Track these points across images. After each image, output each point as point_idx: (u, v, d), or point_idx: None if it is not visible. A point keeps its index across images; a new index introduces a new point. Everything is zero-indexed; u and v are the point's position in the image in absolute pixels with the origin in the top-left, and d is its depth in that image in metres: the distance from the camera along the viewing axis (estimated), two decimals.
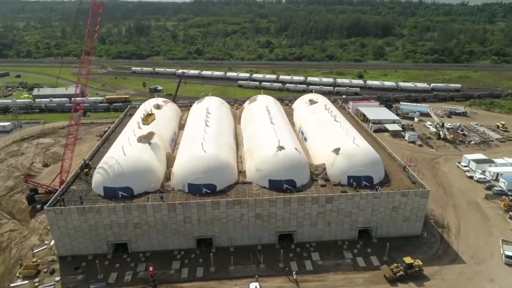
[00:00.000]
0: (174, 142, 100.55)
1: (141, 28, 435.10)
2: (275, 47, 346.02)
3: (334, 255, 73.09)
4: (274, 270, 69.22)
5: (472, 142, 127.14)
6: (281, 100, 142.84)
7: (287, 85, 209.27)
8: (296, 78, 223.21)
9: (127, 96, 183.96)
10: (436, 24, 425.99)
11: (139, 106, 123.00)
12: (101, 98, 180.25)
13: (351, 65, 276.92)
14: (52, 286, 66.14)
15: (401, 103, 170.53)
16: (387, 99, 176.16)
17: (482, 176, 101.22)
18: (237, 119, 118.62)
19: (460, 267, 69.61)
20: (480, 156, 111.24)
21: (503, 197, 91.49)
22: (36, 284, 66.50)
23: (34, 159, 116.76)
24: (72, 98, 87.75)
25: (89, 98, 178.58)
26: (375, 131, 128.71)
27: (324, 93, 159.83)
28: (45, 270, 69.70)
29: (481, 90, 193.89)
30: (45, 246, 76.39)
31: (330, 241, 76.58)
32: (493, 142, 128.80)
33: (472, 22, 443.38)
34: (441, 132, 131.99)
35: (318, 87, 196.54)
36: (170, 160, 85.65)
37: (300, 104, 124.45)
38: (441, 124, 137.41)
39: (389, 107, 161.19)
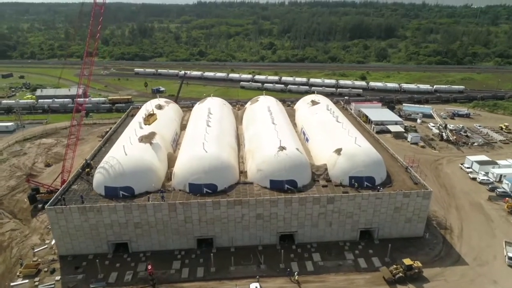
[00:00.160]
0: (176, 143, 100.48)
1: (144, 29, 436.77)
2: (277, 49, 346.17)
3: (335, 256, 72.63)
4: (275, 270, 68.83)
5: (475, 144, 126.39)
6: (283, 101, 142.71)
7: (289, 86, 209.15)
8: (298, 79, 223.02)
9: (130, 97, 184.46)
10: (439, 26, 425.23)
11: (141, 107, 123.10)
12: (103, 99, 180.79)
13: (354, 67, 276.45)
14: (52, 286, 66.07)
15: (403, 104, 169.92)
16: (390, 100, 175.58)
17: (485, 178, 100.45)
18: (238, 119, 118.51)
19: (462, 268, 68.96)
20: (483, 157, 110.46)
21: (507, 198, 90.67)
22: (36, 283, 66.45)
23: (36, 159, 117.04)
24: (75, 99, 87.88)
25: (92, 99, 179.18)
26: (377, 132, 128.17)
27: (326, 95, 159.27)
28: (46, 269, 69.64)
29: (485, 92, 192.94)
30: (46, 246, 76.38)
31: (331, 242, 76.10)
32: (497, 143, 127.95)
33: (476, 24, 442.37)
34: (444, 134, 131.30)
35: (320, 88, 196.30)
36: (171, 160, 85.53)
37: (302, 105, 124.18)
38: (444, 125, 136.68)
39: (392, 108, 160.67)
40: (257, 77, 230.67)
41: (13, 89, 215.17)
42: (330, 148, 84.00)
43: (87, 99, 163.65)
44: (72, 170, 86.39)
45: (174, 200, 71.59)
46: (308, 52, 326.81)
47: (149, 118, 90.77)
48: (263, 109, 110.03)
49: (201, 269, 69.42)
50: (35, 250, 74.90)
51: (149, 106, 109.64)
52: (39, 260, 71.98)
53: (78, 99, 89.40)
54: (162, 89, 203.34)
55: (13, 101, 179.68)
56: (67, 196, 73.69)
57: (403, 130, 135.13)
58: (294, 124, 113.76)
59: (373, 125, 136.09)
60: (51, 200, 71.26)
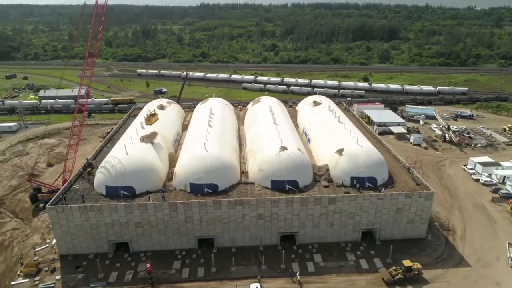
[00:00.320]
0: (177, 143, 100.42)
1: (147, 31, 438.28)
2: (280, 50, 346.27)
3: (337, 257, 72.15)
4: (275, 271, 68.44)
5: (479, 145, 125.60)
6: (285, 102, 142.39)
7: (291, 87, 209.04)
8: (301, 80, 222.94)
9: (132, 97, 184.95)
10: (442, 28, 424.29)
11: (143, 107, 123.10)
12: (106, 99, 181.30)
13: (357, 68, 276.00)
14: (53, 285, 65.97)
15: (406, 105, 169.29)
16: (392, 101, 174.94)
17: (489, 179, 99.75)
18: (240, 120, 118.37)
19: (465, 270, 68.32)
20: (486, 159, 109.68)
21: (510, 200, 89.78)
22: (37, 282, 66.40)
23: (38, 159, 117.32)
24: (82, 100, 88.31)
25: (95, 99, 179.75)
26: (379, 133, 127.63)
27: (329, 96, 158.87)
28: (46, 268, 69.56)
29: (488, 93, 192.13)
30: (47, 245, 76.35)
31: (332, 243, 75.63)
32: (500, 145, 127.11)
33: (479, 26, 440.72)
34: (447, 135, 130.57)
35: (323, 89, 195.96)
36: (173, 160, 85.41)
37: (304, 106, 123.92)
38: (447, 126, 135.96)
39: (394, 109, 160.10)
40: (259, 78, 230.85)
41: (17, 90, 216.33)
42: (332, 148, 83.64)
43: (89, 99, 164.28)
44: (74, 170, 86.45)
45: (175, 200, 71.38)
46: (310, 53, 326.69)
47: (151, 118, 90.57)
48: (265, 110, 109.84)
49: (202, 269, 69.14)
50: (36, 250, 74.86)
51: (151, 106, 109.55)
52: (40, 259, 71.93)
53: (80, 99, 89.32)
54: (164, 90, 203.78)
55: (16, 101, 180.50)
56: (68, 195, 73.67)
57: (405, 131, 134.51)
58: (296, 125, 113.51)
59: (375, 126, 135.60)
60: (52, 199, 71.31)
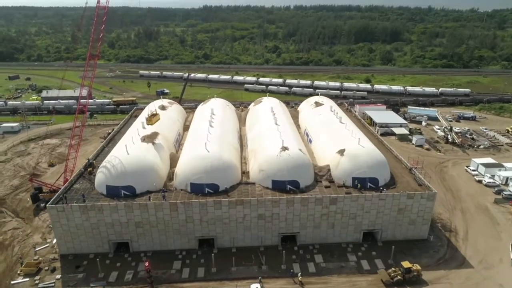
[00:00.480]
0: (179, 143, 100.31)
1: (150, 33, 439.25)
2: (282, 52, 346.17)
3: (338, 258, 71.74)
4: (276, 271, 68.10)
5: (481, 146, 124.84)
6: (287, 103, 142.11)
7: (293, 89, 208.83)
8: (302, 82, 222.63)
9: (134, 98, 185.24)
10: (445, 30, 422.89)
11: (145, 108, 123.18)
12: (108, 100, 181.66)
13: (359, 70, 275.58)
14: (53, 284, 65.87)
15: (408, 107, 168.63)
16: (395, 103, 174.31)
17: (491, 180, 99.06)
18: (242, 121, 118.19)
19: (467, 271, 67.73)
20: (489, 160, 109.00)
21: None
22: (37, 281, 66.32)
23: (40, 159, 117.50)
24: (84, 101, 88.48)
25: (97, 100, 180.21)
26: (381, 134, 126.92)
27: (331, 97, 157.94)
28: (46, 268, 69.52)
29: (491, 95, 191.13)
30: (47, 244, 76.33)
31: (334, 244, 75.24)
32: (503, 146, 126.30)
33: (482, 28, 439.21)
34: (449, 136, 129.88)
35: (325, 91, 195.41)
36: (173, 160, 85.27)
37: (306, 106, 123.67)
38: (449, 128, 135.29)
39: (397, 111, 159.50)
40: (261, 79, 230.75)
41: (19, 91, 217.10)
42: (333, 149, 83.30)
43: (91, 100, 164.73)
44: (75, 170, 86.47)
45: (176, 199, 71.23)
46: (313, 55, 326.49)
47: (152, 118, 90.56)
48: (266, 110, 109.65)
49: (202, 269, 68.95)
50: (37, 249, 74.83)
51: (152, 106, 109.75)
52: (40, 258, 71.86)
53: (81, 100, 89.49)
54: (166, 91, 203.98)
55: (19, 102, 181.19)
56: (69, 195, 73.68)
57: (407, 132, 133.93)
58: (298, 126, 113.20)
59: (377, 127, 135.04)
60: (53, 199, 71.32)
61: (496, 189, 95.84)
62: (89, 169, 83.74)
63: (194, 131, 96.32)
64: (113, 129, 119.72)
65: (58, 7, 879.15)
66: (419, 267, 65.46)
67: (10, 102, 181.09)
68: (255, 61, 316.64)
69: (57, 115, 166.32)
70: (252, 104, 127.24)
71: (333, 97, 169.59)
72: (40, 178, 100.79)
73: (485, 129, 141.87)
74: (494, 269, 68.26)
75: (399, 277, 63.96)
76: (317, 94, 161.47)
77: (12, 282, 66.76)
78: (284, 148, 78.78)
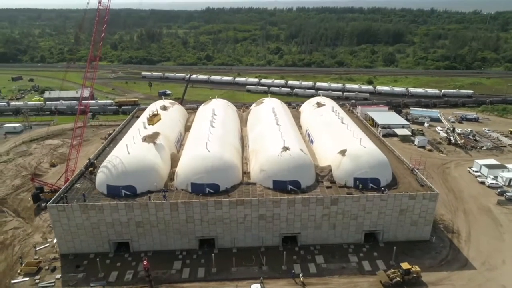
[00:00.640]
0: (180, 143, 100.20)
1: (152, 34, 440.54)
2: (284, 54, 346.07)
3: (339, 259, 71.29)
4: (277, 272, 67.73)
5: (484, 148, 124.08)
6: (288, 104, 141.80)
7: (295, 90, 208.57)
8: (305, 83, 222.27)
9: (136, 99, 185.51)
10: (448, 32, 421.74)
11: (146, 108, 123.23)
12: (110, 101, 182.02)
13: (361, 71, 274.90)
14: (53, 284, 65.73)
15: (411, 108, 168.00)
16: (397, 104, 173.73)
17: (494, 182, 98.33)
18: (243, 121, 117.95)
19: (470, 273, 67.11)
20: (492, 161, 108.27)
21: None
22: (37, 281, 66.21)
23: (41, 159, 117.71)
24: (85, 101, 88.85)
25: (99, 101, 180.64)
26: (384, 135, 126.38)
27: (333, 98, 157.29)
28: (47, 267, 69.41)
29: (494, 96, 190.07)
30: (48, 244, 76.28)
31: (335, 244, 74.78)
32: (506, 147, 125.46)
33: (485, 30, 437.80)
34: (451, 137, 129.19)
35: (327, 92, 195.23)
36: (174, 161, 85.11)
37: (307, 107, 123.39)
38: (451, 129, 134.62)
39: (399, 112, 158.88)
40: (263, 80, 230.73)
41: (22, 92, 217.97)
42: (335, 149, 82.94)
43: (93, 101, 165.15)
44: (76, 169, 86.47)
45: (176, 199, 71.02)
46: (315, 56, 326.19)
47: (153, 118, 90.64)
48: (268, 111, 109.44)
49: (202, 269, 68.68)
50: (37, 248, 74.78)
51: (154, 107, 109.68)
52: (41, 258, 71.79)
53: (83, 101, 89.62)
54: (168, 92, 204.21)
55: (22, 102, 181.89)
56: (70, 194, 73.64)
57: (410, 133, 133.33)
58: (299, 126, 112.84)
59: (379, 129, 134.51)
60: (53, 198, 71.29)
61: (499, 190, 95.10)
62: (90, 169, 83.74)
63: (195, 131, 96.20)
64: (114, 130, 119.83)
65: (62, 9, 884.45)
66: (418, 269, 64.83)
67: (12, 103, 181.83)
68: (257, 63, 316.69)
69: (59, 115, 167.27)
70: (254, 104, 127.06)
71: (335, 98, 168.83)
72: (41, 178, 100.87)
73: (488, 130, 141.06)
74: (497, 271, 67.61)
75: (398, 278, 63.30)
76: (319, 95, 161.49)
77: (12, 281, 66.68)
78: (285, 148, 78.48)
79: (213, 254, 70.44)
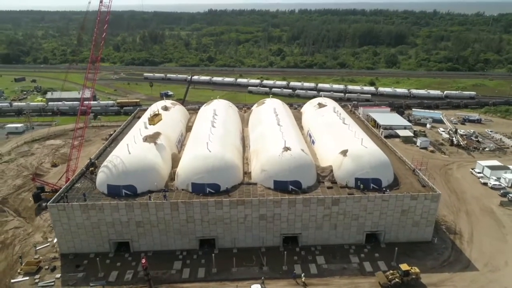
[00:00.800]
0: (181, 143, 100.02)
1: (155, 36, 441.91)
2: (286, 55, 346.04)
3: (340, 259, 70.82)
4: (277, 272, 67.32)
5: (487, 149, 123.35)
6: (290, 105, 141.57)
7: (297, 91, 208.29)
8: (306, 84, 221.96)
9: (138, 100, 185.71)
10: (450, 33, 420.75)
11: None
12: (112, 102, 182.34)
13: (363, 73, 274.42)
14: (52, 283, 65.56)
15: (413, 109, 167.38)
16: (399, 105, 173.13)
17: (497, 183, 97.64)
18: (245, 122, 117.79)
19: (472, 274, 66.49)
20: (495, 162, 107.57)
21: None
22: (37, 280, 66.06)
23: (43, 159, 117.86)
24: (86, 102, 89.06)
25: (101, 102, 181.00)
26: (385, 136, 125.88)
27: (335, 100, 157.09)
28: (47, 267, 69.26)
29: (497, 98, 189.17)
30: (48, 244, 76.16)
31: (336, 245, 74.31)
32: (509, 149, 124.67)
33: (488, 32, 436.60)
34: (454, 139, 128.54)
35: (328, 93, 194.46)
36: (175, 161, 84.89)
37: (309, 108, 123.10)
38: (454, 130, 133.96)
39: (401, 113, 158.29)
40: (265, 82, 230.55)
41: (25, 92, 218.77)
42: (336, 149, 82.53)
43: (95, 102, 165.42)
44: (77, 169, 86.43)
45: (177, 199, 70.79)
46: (317, 58, 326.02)
47: (154, 118, 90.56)
48: (269, 111, 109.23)
49: (202, 269, 68.36)
50: (37, 248, 74.65)
51: (155, 107, 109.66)
52: (41, 258, 71.66)
53: (84, 102, 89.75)
54: (170, 93, 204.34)
55: (24, 103, 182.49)
56: (70, 194, 73.54)
57: (412, 134, 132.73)
58: (301, 127, 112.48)
59: (381, 130, 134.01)
60: (54, 197, 71.20)
61: (501, 191, 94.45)
62: (91, 169, 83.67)
63: (196, 131, 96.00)
64: (115, 131, 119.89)
65: (65, 11, 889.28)
66: (417, 270, 64.21)
67: (15, 104, 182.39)
68: (259, 64, 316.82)
69: (61, 116, 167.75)
70: (255, 105, 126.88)
71: (337, 100, 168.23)
72: (43, 178, 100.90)
73: (491, 131, 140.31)
74: (499, 272, 66.98)
75: (397, 280, 62.69)
76: (321, 97, 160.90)
77: (12, 280, 66.55)
78: (286, 148, 78.18)
79: (213, 254, 70.11)
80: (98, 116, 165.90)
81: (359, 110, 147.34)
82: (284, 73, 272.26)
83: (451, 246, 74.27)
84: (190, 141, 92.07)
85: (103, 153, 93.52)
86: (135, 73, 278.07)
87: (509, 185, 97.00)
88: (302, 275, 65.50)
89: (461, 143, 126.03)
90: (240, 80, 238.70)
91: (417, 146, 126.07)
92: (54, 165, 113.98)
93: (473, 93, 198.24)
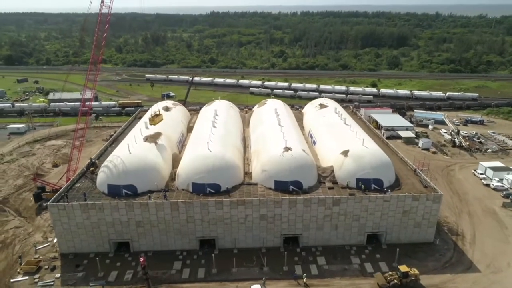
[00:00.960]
0: (182, 144, 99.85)
1: (157, 38, 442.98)
2: (288, 57, 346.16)
3: (341, 260, 70.33)
4: (278, 273, 66.92)
5: (489, 150, 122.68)
6: (291, 106, 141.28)
7: (299, 92, 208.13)
8: (308, 85, 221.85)
9: (139, 101, 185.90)
10: (453, 35, 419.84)
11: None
12: (114, 103, 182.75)
13: (365, 74, 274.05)
14: (52, 283, 65.37)
15: (415, 110, 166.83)
16: (401, 106, 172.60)
17: (500, 184, 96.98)
18: (246, 122, 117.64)
19: (474, 276, 65.89)
20: (497, 163, 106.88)
21: None
22: (36, 280, 65.90)
23: (44, 160, 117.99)
24: (86, 103, 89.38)
25: (102, 102, 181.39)
26: (387, 137, 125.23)
27: (336, 101, 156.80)
28: (46, 266, 69.10)
29: (499, 99, 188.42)
30: (48, 243, 76.03)
31: (337, 246, 73.83)
32: None
33: (490, 34, 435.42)
34: (456, 140, 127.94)
35: (330, 94, 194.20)
36: (176, 161, 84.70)
37: (310, 108, 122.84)
38: (456, 131, 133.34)
39: (403, 114, 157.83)
40: (266, 83, 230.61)
41: (27, 93, 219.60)
42: (337, 150, 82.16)
43: (93, 103, 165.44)
44: (78, 169, 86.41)
45: (177, 199, 70.56)
46: (319, 60, 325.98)
47: (155, 118, 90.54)
48: (270, 112, 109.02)
49: (203, 270, 68.01)
50: (37, 248, 74.51)
51: (156, 107, 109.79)
52: (41, 257, 71.53)
53: (86, 102, 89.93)
54: (171, 94, 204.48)
55: (26, 104, 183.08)
56: (71, 193, 73.43)
57: (413, 135, 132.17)
58: (302, 128, 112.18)
59: (383, 131, 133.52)
60: (54, 197, 71.13)
61: (504, 192, 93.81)
62: (91, 169, 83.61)
63: (197, 131, 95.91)
64: (115, 131, 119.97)
65: (68, 13, 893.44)
66: (417, 272, 63.61)
67: (17, 104, 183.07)
68: (261, 66, 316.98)
69: (63, 117, 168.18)
70: (256, 106, 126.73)
71: (339, 101, 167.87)
72: (44, 178, 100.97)
73: (493, 133, 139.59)
74: (502, 273, 66.36)
75: (395, 281, 62.11)
76: (323, 98, 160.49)
77: (12, 280, 66.40)
78: (287, 149, 77.88)
79: (213, 255, 69.76)
80: (100, 117, 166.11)
81: (361, 111, 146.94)
82: (286, 75, 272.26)
83: (453, 248, 73.67)
84: (190, 141, 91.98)
85: (104, 153, 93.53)
86: (137, 75, 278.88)
87: None
88: (304, 275, 65.08)
89: (463, 144, 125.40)
90: (242, 81, 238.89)
91: (419, 147, 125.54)
92: (55, 165, 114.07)
93: (475, 94, 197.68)
